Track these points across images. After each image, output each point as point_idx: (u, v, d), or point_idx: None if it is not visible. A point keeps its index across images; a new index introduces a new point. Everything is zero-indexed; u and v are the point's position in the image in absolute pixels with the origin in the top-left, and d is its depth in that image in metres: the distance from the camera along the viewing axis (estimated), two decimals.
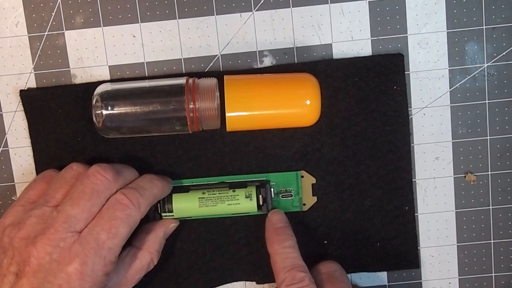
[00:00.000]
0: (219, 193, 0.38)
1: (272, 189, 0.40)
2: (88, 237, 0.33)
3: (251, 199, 0.38)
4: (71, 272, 0.32)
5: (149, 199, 0.36)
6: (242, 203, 0.38)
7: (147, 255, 0.37)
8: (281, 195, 0.40)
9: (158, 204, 0.39)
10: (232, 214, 0.39)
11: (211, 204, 0.38)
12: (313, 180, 0.40)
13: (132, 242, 0.38)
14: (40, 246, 0.32)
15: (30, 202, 0.36)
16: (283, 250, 0.37)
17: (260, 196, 0.39)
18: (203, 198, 0.38)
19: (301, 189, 0.40)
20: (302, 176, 0.40)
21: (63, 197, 0.35)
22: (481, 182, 0.41)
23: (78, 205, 0.33)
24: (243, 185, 0.39)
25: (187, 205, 0.38)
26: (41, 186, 0.37)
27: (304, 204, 0.40)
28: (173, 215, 0.39)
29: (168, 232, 0.39)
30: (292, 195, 0.40)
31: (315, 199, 0.40)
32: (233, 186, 0.39)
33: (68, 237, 0.33)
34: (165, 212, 0.38)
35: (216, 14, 0.39)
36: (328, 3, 0.39)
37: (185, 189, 0.39)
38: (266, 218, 0.39)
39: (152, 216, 0.39)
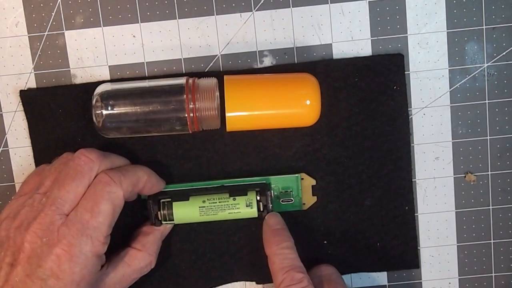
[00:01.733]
0: (219, 202, 0.38)
1: (272, 191, 0.39)
2: (73, 219, 0.33)
3: (251, 208, 0.38)
4: (60, 253, 0.32)
5: (132, 179, 0.36)
6: (243, 211, 0.38)
7: (147, 256, 0.37)
8: (281, 199, 0.40)
9: (159, 212, 0.38)
10: (233, 219, 0.39)
11: (212, 213, 0.38)
12: (313, 182, 0.40)
13: (131, 244, 0.38)
14: (32, 231, 0.33)
15: (23, 195, 0.36)
16: (281, 251, 0.37)
17: (261, 203, 0.39)
18: (204, 207, 0.38)
19: (301, 190, 0.40)
20: (302, 179, 0.40)
21: (52, 183, 0.35)
22: (481, 182, 0.41)
23: (64, 186, 0.34)
24: (243, 191, 0.39)
25: (187, 215, 0.38)
26: (35, 179, 0.37)
27: (304, 204, 0.40)
28: (173, 222, 0.39)
29: (165, 233, 0.39)
30: (292, 200, 0.40)
31: (315, 198, 0.40)
32: (233, 193, 0.39)
33: (56, 219, 0.33)
34: (166, 220, 0.38)
35: (216, 14, 0.39)
36: (328, 3, 0.39)
37: (185, 196, 0.39)
38: (263, 221, 0.39)
39: (153, 223, 0.39)
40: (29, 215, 0.34)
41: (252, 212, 0.38)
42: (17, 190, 0.41)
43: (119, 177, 0.35)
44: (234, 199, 0.38)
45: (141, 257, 0.37)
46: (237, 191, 0.39)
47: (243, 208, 0.38)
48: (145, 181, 0.37)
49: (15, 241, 0.33)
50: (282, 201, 0.40)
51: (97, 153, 0.35)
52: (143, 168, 0.37)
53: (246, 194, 0.38)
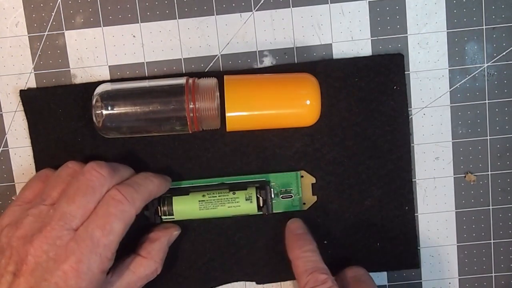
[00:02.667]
0: (219, 196, 0.38)
1: (272, 189, 0.40)
2: (83, 235, 0.33)
3: (251, 202, 0.38)
4: (67, 270, 0.32)
5: (144, 195, 0.36)
6: (242, 205, 0.38)
7: (152, 264, 0.37)
8: (281, 195, 0.40)
9: (159, 207, 0.39)
10: (233, 215, 0.39)
11: (211, 207, 0.38)
12: (313, 180, 0.40)
13: (137, 250, 0.38)
14: (37, 244, 0.32)
15: (27, 201, 0.36)
16: (304, 254, 0.37)
17: (260, 198, 0.39)
18: (203, 201, 0.38)
19: (301, 188, 0.40)
20: (302, 176, 0.40)
21: (59, 195, 0.35)
22: (481, 182, 0.41)
23: (74, 201, 0.33)
24: (243, 187, 0.39)
25: (187, 208, 0.38)
26: (38, 185, 0.37)
27: (304, 204, 0.40)
28: (173, 218, 0.39)
29: (172, 240, 0.39)
30: (292, 196, 0.40)
31: (315, 198, 0.40)
32: (233, 188, 0.39)
33: (64, 235, 0.33)
34: (166, 215, 0.38)
35: (216, 14, 0.39)
36: (328, 3, 0.39)
37: (185, 192, 0.39)
38: (285, 227, 0.40)
39: (153, 219, 0.39)
40: (33, 226, 0.33)
41: (252, 206, 0.38)
42: (17, 191, 0.41)
43: (132, 195, 0.34)
44: (234, 193, 0.38)
45: (146, 264, 0.37)
46: (237, 187, 0.39)
47: (243, 202, 0.38)
48: (156, 193, 0.37)
49: (18, 251, 0.33)
50: (282, 197, 0.40)
51: (107, 168, 0.35)
52: (154, 180, 0.37)
53: (246, 189, 0.38)
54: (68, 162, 0.36)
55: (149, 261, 0.37)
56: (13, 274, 0.32)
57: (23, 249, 0.32)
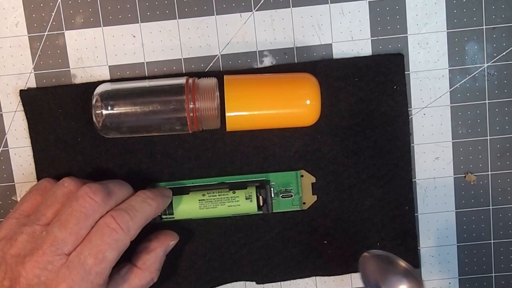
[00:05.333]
0: (219, 195, 0.38)
1: (272, 189, 0.40)
2: (75, 261, 0.33)
3: (251, 201, 0.38)
4: None
5: (140, 222, 0.35)
6: (242, 204, 0.38)
7: (148, 274, 0.37)
8: (281, 195, 0.40)
9: None
10: (233, 214, 0.39)
11: (211, 206, 0.38)
12: (313, 179, 0.40)
13: (132, 260, 0.37)
14: (28, 268, 0.32)
15: (24, 215, 0.36)
16: None
17: (260, 197, 0.39)
18: (203, 200, 0.38)
19: (301, 188, 0.40)
20: (302, 176, 0.40)
21: (53, 216, 0.34)
22: (481, 182, 0.41)
23: (66, 228, 0.33)
24: (243, 186, 0.39)
25: (187, 208, 0.38)
26: (36, 198, 0.37)
27: (304, 203, 0.40)
28: (173, 217, 0.39)
29: (168, 250, 0.38)
30: (292, 195, 0.40)
31: (315, 198, 0.40)
32: (233, 187, 0.39)
33: (55, 260, 0.32)
34: (166, 215, 0.38)
35: (216, 14, 0.39)
36: (328, 3, 0.39)
37: (185, 191, 0.39)
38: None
39: (153, 219, 0.39)
40: (26, 246, 0.33)
41: (252, 205, 0.38)
42: (17, 190, 0.41)
43: (127, 224, 0.34)
44: (234, 192, 0.38)
45: (141, 275, 0.37)
46: (237, 186, 0.39)
47: (243, 201, 0.38)
48: (153, 216, 0.36)
49: (12, 268, 0.33)
50: (282, 197, 0.40)
51: (102, 193, 0.34)
52: (151, 203, 0.36)
53: (246, 188, 0.38)
54: (65, 180, 0.36)
55: (144, 272, 0.37)
56: None
57: (16, 269, 0.32)
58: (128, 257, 0.37)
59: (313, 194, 0.40)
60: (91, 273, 0.33)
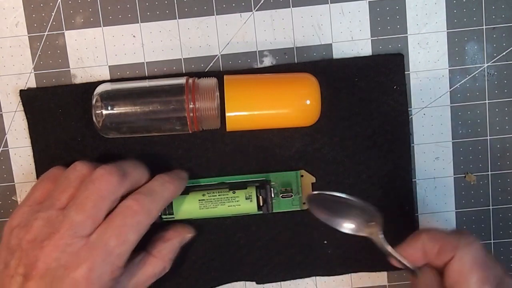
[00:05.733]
0: (219, 195, 0.38)
1: (272, 189, 0.40)
2: (96, 243, 0.32)
3: (251, 201, 0.38)
4: (78, 277, 0.32)
5: (160, 205, 0.35)
6: (242, 204, 0.38)
7: (161, 263, 0.37)
8: (281, 195, 0.40)
9: None
10: (233, 214, 0.39)
11: (211, 206, 0.38)
12: (313, 179, 0.40)
13: (147, 248, 0.37)
14: (47, 251, 0.32)
15: (36, 202, 0.36)
16: None
17: (260, 197, 0.39)
18: (203, 200, 0.38)
19: (301, 188, 0.40)
20: (302, 176, 0.40)
21: (68, 200, 0.34)
22: (481, 182, 0.41)
23: (83, 211, 0.33)
24: (243, 186, 0.39)
25: (187, 207, 0.38)
26: (47, 185, 0.37)
27: (304, 203, 0.40)
28: (173, 217, 0.39)
29: (184, 242, 0.39)
30: (292, 195, 0.40)
31: None
32: (233, 187, 0.39)
33: (74, 242, 0.32)
34: (166, 215, 0.38)
35: (216, 14, 0.39)
36: (328, 3, 0.39)
37: (185, 191, 0.39)
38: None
39: None
40: (43, 231, 0.33)
41: (252, 205, 0.38)
42: (17, 190, 0.41)
43: (148, 206, 0.34)
44: (234, 192, 0.38)
45: (155, 263, 0.37)
46: (237, 186, 0.39)
47: (243, 201, 0.38)
48: (171, 200, 0.37)
49: (27, 254, 0.32)
50: (282, 197, 0.40)
51: (117, 175, 0.34)
52: (170, 187, 0.36)
53: (246, 188, 0.38)
54: (76, 164, 0.36)
55: (158, 260, 0.37)
56: (24, 276, 0.32)
57: (33, 254, 0.32)
58: (144, 247, 0.37)
59: None
60: (112, 254, 0.33)
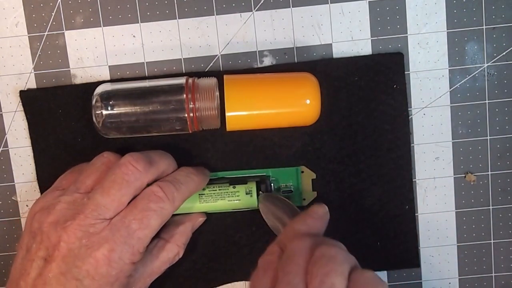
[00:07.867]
0: (219, 189, 0.39)
1: (272, 185, 0.40)
2: (119, 225, 0.33)
3: (251, 196, 0.38)
4: (99, 257, 0.32)
5: (184, 194, 0.36)
6: (243, 199, 0.38)
7: (175, 248, 0.37)
8: (281, 190, 0.40)
9: None
10: (233, 209, 0.39)
11: (212, 201, 0.38)
12: (313, 176, 0.40)
13: (160, 234, 0.38)
14: (70, 231, 0.32)
15: (61, 189, 0.36)
16: None
17: (260, 192, 0.39)
18: (204, 194, 0.38)
19: (301, 184, 0.40)
20: (302, 172, 0.40)
21: (93, 184, 0.35)
22: (481, 182, 0.41)
23: (108, 194, 0.33)
24: (243, 181, 0.39)
25: (187, 202, 0.38)
26: (73, 175, 0.37)
27: (304, 199, 0.40)
28: (174, 212, 0.39)
29: (196, 226, 0.39)
30: (292, 191, 0.40)
31: (315, 194, 0.40)
32: (233, 182, 0.39)
33: (97, 223, 0.33)
34: None
35: (216, 14, 0.39)
36: (328, 3, 0.39)
37: None
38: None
39: None
40: (66, 213, 0.33)
41: (252, 200, 0.38)
42: (17, 191, 0.41)
43: (173, 194, 0.35)
44: (234, 187, 0.38)
45: (169, 248, 0.37)
46: (237, 181, 0.39)
47: (243, 196, 0.38)
48: (195, 191, 0.37)
49: (49, 236, 0.33)
50: (282, 192, 0.40)
51: (144, 162, 0.35)
52: (194, 178, 0.37)
53: (246, 183, 0.39)
54: (104, 152, 0.37)
55: (172, 244, 0.37)
56: (44, 259, 0.33)
57: (55, 235, 0.33)
58: (157, 233, 0.37)
59: (313, 190, 0.40)
60: (133, 237, 0.33)
